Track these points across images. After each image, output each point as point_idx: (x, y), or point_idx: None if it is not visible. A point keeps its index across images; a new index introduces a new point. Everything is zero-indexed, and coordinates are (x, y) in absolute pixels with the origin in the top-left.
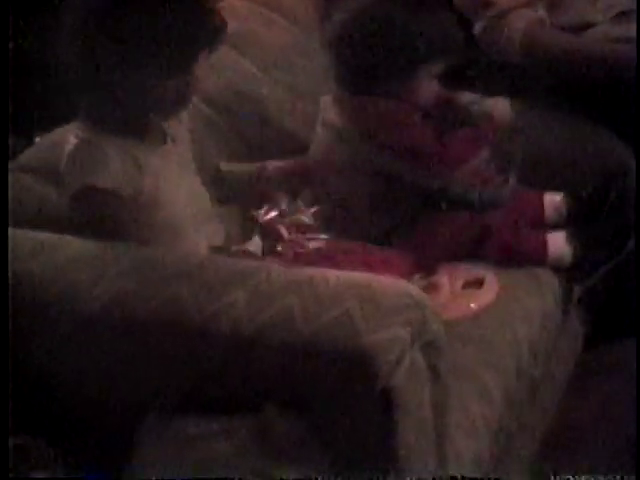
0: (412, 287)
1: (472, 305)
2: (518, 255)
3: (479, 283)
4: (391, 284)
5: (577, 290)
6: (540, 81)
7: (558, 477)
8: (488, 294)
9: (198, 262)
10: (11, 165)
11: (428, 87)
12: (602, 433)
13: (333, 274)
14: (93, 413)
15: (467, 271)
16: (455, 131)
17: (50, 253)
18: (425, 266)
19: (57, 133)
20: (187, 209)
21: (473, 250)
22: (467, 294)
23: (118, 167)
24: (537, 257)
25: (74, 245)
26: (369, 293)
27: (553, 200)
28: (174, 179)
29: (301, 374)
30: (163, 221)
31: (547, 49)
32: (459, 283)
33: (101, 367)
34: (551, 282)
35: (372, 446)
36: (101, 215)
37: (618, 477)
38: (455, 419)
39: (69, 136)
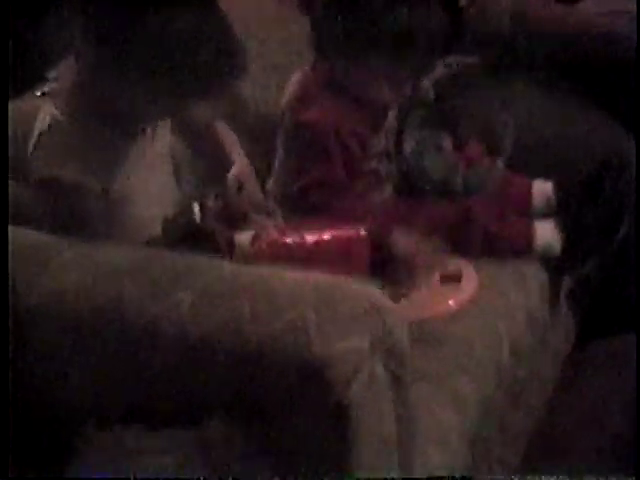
0: (374, 291)
1: (450, 302)
2: (502, 244)
3: (457, 277)
4: (352, 288)
5: (567, 282)
6: (531, 56)
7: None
8: (467, 289)
9: (144, 257)
10: None
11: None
12: (593, 435)
13: (291, 275)
14: (29, 416)
15: (445, 263)
16: None
17: None
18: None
19: (21, 105)
20: (155, 206)
21: (452, 239)
22: (444, 290)
23: (89, 159)
24: (523, 246)
25: (17, 235)
26: (327, 298)
27: (542, 188)
28: (145, 174)
29: (249, 384)
30: (130, 217)
31: (540, 21)
32: (436, 277)
33: (36, 368)
34: (537, 274)
35: (327, 463)
36: (64, 209)
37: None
38: (424, 430)
39: (41, 114)
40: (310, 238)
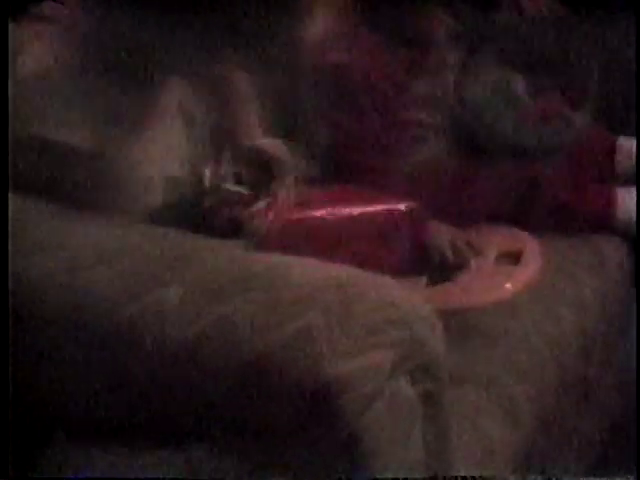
0: (402, 290)
1: (507, 285)
2: (576, 217)
3: (517, 255)
4: (373, 286)
5: None
6: None
7: None
8: (527, 270)
9: (125, 240)
10: None
11: None
12: None
13: (300, 266)
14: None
15: (503, 238)
16: None
17: None
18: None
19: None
20: (161, 168)
21: (516, 210)
22: (500, 271)
23: (81, 115)
24: (602, 219)
25: None
26: (342, 301)
27: (628, 146)
28: (152, 131)
29: (242, 404)
30: (131, 181)
31: None
32: (492, 255)
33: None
34: (617, 252)
35: None
36: (46, 173)
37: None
38: (466, 445)
39: (27, 54)
40: (335, 213)
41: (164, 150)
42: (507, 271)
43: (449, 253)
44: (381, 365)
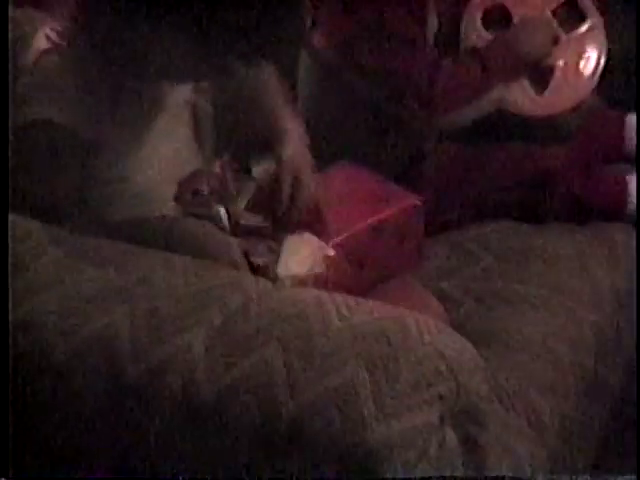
0: (447, 335)
1: None
2: (590, 206)
3: None
4: (419, 334)
5: None
6: None
7: None
8: None
9: (142, 275)
10: None
11: None
12: None
13: (337, 308)
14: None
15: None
16: None
17: None
18: None
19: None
20: (163, 179)
21: (528, 201)
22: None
23: (84, 101)
24: (616, 208)
25: None
26: (386, 354)
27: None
28: (157, 136)
29: (277, 467)
30: (127, 182)
31: None
32: None
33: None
34: (630, 241)
35: None
36: (54, 154)
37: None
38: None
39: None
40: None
41: (171, 156)
42: None
43: None
44: (429, 423)
